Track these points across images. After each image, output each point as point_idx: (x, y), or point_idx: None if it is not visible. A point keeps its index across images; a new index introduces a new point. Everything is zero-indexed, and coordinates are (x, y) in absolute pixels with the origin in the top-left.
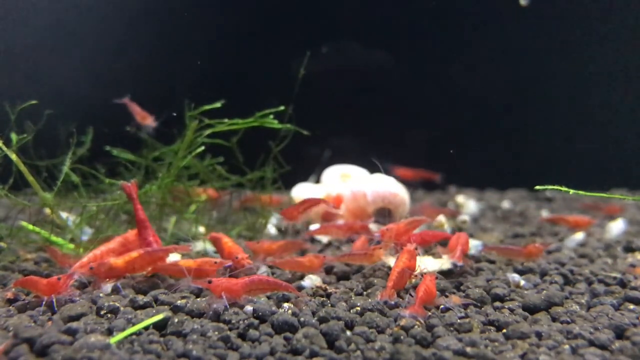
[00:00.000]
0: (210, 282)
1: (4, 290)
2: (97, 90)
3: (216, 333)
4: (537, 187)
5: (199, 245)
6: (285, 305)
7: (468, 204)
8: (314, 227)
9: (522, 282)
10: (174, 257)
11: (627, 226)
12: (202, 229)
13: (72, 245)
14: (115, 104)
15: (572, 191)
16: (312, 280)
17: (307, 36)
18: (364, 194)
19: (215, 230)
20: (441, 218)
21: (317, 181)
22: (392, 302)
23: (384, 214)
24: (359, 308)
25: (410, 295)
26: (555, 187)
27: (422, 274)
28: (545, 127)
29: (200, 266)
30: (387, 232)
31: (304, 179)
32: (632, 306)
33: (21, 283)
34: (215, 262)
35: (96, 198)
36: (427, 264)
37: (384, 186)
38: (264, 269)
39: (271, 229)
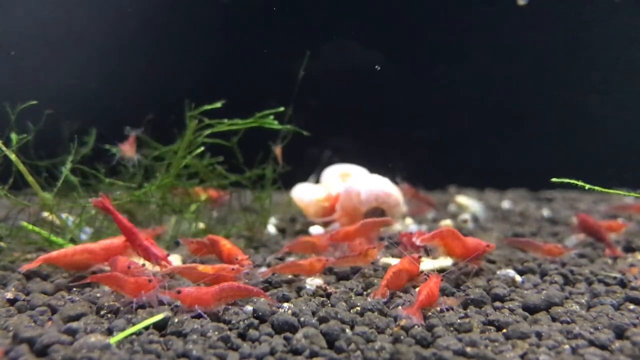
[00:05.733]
0: (179, 292)
1: (5, 289)
2: (98, 90)
3: (216, 333)
4: (554, 180)
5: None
6: (285, 305)
7: (472, 204)
8: (313, 228)
9: (518, 278)
10: (176, 261)
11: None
12: (202, 225)
13: (72, 245)
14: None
15: (587, 186)
16: (315, 284)
17: (307, 36)
18: (358, 192)
19: (216, 230)
20: (448, 221)
21: (317, 181)
22: (384, 300)
23: (378, 213)
24: (359, 308)
25: (412, 295)
26: (570, 180)
27: (428, 275)
28: (545, 127)
29: (218, 272)
30: (335, 236)
31: (304, 179)
32: (632, 306)
33: (99, 279)
34: (233, 269)
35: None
36: (426, 265)
37: (378, 186)
38: (263, 268)
39: (271, 229)
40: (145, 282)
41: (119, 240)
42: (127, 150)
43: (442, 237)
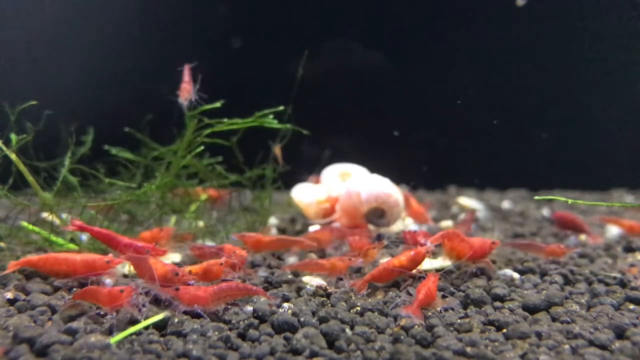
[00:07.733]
0: (177, 289)
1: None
2: (97, 90)
3: (216, 333)
4: (537, 197)
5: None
6: (285, 305)
7: (473, 205)
8: (313, 228)
9: (517, 275)
10: (175, 258)
11: None
12: (201, 223)
13: (72, 245)
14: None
15: (570, 201)
16: (315, 284)
17: (306, 36)
18: (358, 193)
19: (215, 230)
20: (449, 222)
21: (317, 181)
22: (360, 295)
23: (378, 214)
24: (359, 308)
25: (409, 294)
26: (554, 197)
27: (426, 273)
28: (545, 127)
29: (206, 269)
30: (354, 242)
31: (304, 179)
32: (632, 306)
33: (81, 295)
34: (221, 264)
35: (96, 198)
36: (425, 265)
37: (379, 186)
38: (263, 272)
39: (271, 229)
40: (118, 293)
41: (101, 259)
42: (185, 89)
43: (449, 238)
